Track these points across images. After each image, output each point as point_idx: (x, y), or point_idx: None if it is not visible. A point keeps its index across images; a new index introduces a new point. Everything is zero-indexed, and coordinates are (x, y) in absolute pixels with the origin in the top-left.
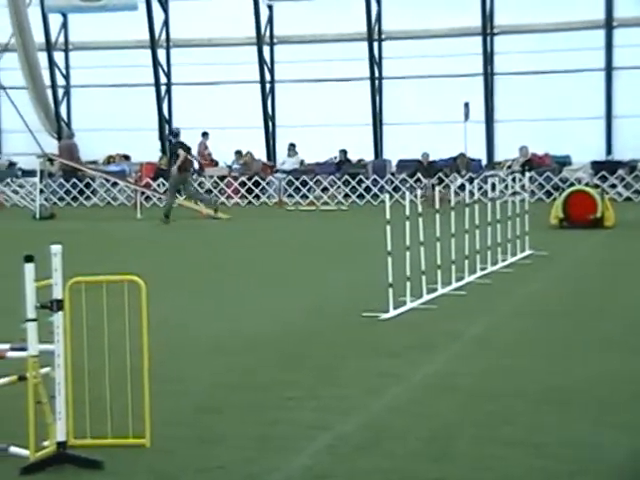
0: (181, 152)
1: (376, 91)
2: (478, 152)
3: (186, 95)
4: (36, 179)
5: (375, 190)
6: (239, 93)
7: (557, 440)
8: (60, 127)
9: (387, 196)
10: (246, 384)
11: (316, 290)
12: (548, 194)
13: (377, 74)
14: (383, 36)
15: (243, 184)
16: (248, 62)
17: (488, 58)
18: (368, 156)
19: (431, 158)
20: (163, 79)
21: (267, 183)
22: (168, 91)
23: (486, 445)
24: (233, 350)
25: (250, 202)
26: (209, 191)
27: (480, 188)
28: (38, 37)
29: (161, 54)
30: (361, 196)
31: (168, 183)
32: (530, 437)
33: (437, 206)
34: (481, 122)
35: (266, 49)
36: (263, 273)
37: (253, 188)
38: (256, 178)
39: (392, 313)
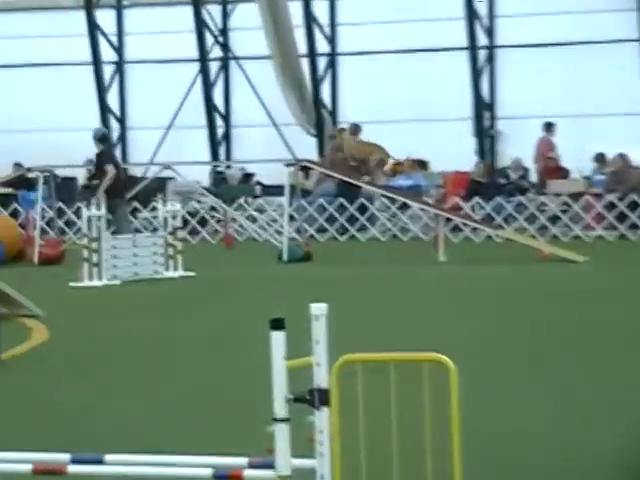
0: (109, 168)
1: None
2: None
3: (514, 64)
4: (283, 199)
5: None
6: (601, 57)
7: None
8: (321, 117)
9: None
10: None
11: None
12: None
13: None
14: None
15: (611, 206)
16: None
17: None
18: None
19: None
20: (482, 39)
21: None
22: (490, 58)
23: None
24: (587, 469)
25: (623, 236)
26: (554, 218)
27: None
28: None
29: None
30: None
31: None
32: None
33: None
34: None
35: None
36: (624, 350)
37: (627, 213)
38: (634, 197)
39: None
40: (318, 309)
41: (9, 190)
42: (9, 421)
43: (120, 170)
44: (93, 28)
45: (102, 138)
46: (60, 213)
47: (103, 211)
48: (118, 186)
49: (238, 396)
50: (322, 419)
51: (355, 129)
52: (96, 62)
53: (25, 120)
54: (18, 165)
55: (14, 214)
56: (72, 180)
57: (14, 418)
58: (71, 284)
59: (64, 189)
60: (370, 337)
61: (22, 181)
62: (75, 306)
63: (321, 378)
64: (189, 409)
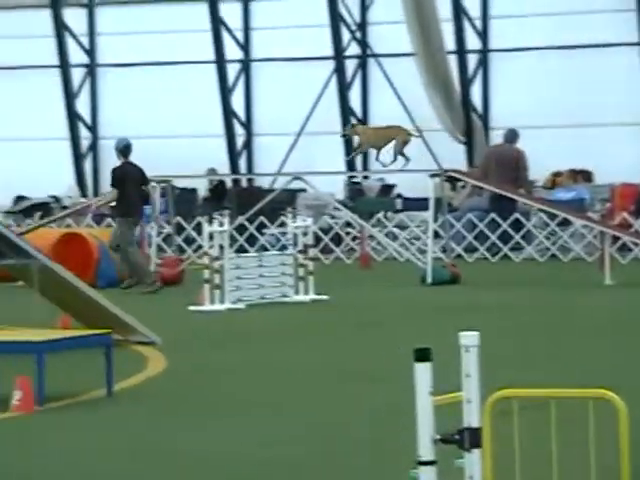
0: (113, 191)
1: None
2: None
3: None
4: (427, 214)
5: None
6: None
7: None
8: (470, 121)
9: None
10: None
11: None
12: None
13: None
14: None
15: None
16: None
17: None
18: None
19: None
20: None
21: None
22: None
23: None
24: None
25: None
26: None
27: None
28: None
29: None
30: None
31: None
32: None
33: None
34: None
35: None
36: None
37: None
38: None
39: None
40: (468, 339)
41: None
42: (117, 462)
43: (136, 188)
44: (216, 22)
45: (124, 150)
46: (179, 229)
47: (226, 227)
48: (125, 206)
49: (377, 435)
50: (473, 463)
51: (512, 136)
52: (219, 60)
53: (138, 125)
54: None
55: None
56: (192, 192)
57: (123, 459)
58: (191, 308)
59: (183, 202)
60: (526, 370)
61: None
62: (195, 332)
63: (472, 416)
64: (318, 450)
